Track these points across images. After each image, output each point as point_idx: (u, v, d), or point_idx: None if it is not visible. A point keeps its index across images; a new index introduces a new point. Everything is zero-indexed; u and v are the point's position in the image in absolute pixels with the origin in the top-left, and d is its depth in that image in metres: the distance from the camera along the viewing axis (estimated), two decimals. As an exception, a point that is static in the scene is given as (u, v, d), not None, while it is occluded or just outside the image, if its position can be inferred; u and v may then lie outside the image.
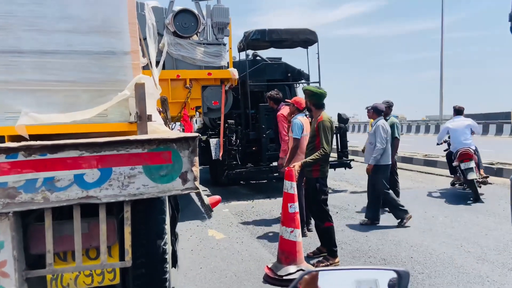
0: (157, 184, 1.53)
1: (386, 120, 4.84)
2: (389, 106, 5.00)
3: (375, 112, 4.56)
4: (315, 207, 3.28)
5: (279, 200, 5.82)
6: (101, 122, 2.01)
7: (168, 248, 1.94)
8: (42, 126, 1.89)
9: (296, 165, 3.04)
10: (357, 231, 4.13)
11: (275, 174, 6.53)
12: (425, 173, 8.07)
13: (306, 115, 4.33)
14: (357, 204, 5.30)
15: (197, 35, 5.06)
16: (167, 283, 1.91)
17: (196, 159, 1.59)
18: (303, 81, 7.28)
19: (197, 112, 5.51)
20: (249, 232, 4.26)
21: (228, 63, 5.40)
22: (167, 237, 1.93)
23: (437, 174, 7.68)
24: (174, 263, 2.20)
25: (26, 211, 1.52)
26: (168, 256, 1.94)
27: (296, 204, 2.89)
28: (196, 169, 1.58)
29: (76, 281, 1.62)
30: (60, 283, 1.60)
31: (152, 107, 2.30)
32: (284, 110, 4.61)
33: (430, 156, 9.34)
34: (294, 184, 2.88)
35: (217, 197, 2.27)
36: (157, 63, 3.17)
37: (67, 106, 2.01)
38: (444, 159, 6.44)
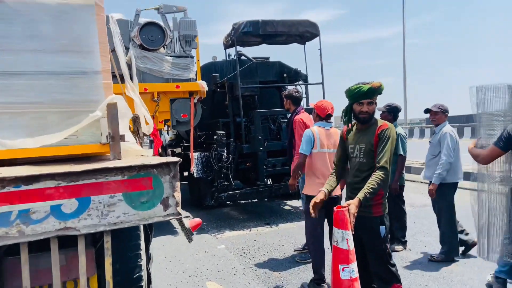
0: (138, 212, 1.87)
1: None
2: (391, 110, 4.81)
3: (444, 113, 4.39)
4: (377, 263, 2.74)
5: (283, 228, 6.22)
6: (71, 144, 2.36)
7: (144, 272, 2.29)
8: (9, 151, 2.23)
9: (352, 205, 2.44)
10: (408, 276, 3.93)
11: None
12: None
13: (328, 127, 3.97)
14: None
15: (164, 48, 5.81)
16: None
17: (178, 184, 1.94)
18: (300, 82, 7.69)
19: (165, 126, 6.16)
20: (264, 285, 3.99)
21: (196, 75, 6.03)
22: (143, 262, 2.27)
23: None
24: (148, 285, 2.54)
25: (-2, 246, 1.84)
26: (144, 282, 2.28)
27: (353, 265, 2.36)
28: (178, 195, 1.93)
29: (54, 314, 1.93)
30: (38, 317, 1.92)
31: (124, 127, 2.66)
32: (304, 115, 4.70)
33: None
34: (349, 234, 2.36)
35: (198, 220, 2.61)
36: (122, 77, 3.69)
37: (35, 128, 2.37)
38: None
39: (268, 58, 8.16)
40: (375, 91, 2.69)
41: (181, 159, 2.04)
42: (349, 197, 2.76)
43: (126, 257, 2.22)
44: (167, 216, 1.92)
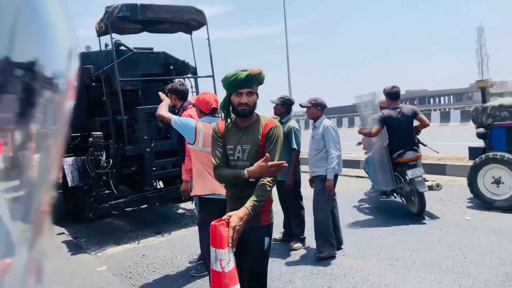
0: None
1: (282, 123, 4.70)
2: (285, 103, 4.75)
3: (321, 108, 4.44)
4: (254, 281, 2.34)
5: (176, 236, 5.69)
6: None
7: None
8: None
9: (234, 216, 2.04)
10: (310, 277, 3.81)
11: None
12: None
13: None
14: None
15: None
16: None
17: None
18: (189, 75, 7.17)
19: None
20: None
21: None
22: None
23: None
24: None
25: None
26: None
27: None
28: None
29: None
30: None
31: None
32: (193, 110, 4.17)
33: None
34: (223, 253, 1.95)
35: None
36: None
37: None
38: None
39: (152, 49, 7.43)
40: (254, 79, 2.33)
41: None
42: (233, 209, 2.29)
43: None
44: None
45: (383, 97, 5.72)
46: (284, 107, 4.77)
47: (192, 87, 6.97)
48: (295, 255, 4.48)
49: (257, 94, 2.40)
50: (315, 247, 4.44)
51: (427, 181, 5.54)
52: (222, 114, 2.44)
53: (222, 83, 2.41)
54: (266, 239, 2.33)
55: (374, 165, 5.76)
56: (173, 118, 3.44)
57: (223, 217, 2.03)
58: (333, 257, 4.24)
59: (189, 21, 6.47)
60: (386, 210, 5.95)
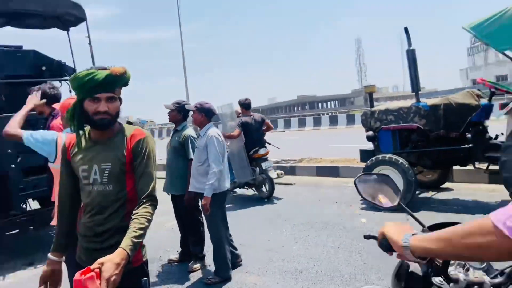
0: None
1: (177, 131, 4.34)
2: (181, 109, 4.29)
3: (207, 114, 3.98)
4: None
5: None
6: None
7: None
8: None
9: (108, 263, 1.46)
10: None
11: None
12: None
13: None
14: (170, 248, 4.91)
15: None
16: None
17: None
18: (67, 77, 6.26)
19: None
20: None
21: None
22: None
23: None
24: None
25: None
26: None
27: None
28: None
29: None
30: None
31: None
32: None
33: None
34: None
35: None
36: None
37: None
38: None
39: (21, 47, 6.32)
40: (117, 80, 1.80)
41: None
42: (86, 250, 1.85)
43: None
44: None
45: (238, 107, 7.03)
46: (180, 113, 4.29)
47: (70, 92, 6.07)
48: (194, 277, 4.06)
49: (120, 99, 1.86)
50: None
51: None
52: (72, 125, 1.86)
53: (72, 85, 1.84)
54: (144, 281, 1.77)
55: (234, 162, 6.80)
56: (25, 134, 2.70)
57: (92, 266, 1.43)
58: (228, 279, 3.86)
59: (64, 16, 5.64)
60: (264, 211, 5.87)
